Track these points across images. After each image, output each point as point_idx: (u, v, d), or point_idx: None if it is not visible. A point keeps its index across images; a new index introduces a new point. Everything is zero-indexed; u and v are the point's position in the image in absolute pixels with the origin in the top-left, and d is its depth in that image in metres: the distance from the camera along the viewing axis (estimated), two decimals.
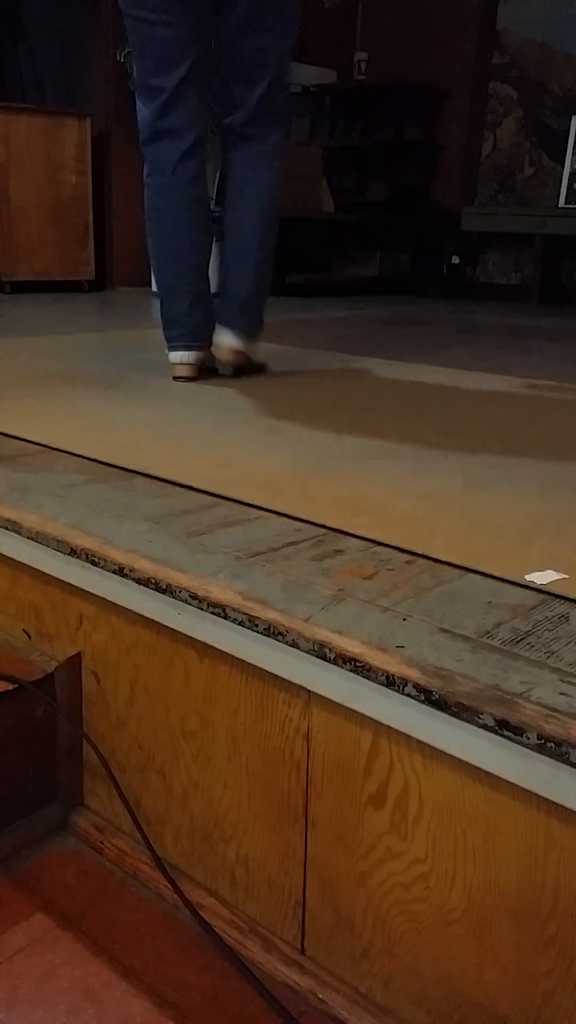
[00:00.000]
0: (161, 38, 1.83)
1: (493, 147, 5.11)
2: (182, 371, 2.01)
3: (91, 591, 0.98)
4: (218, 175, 3.33)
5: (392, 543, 0.99)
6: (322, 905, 0.84)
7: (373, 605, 0.82)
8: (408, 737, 0.73)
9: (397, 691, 0.70)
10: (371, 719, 0.75)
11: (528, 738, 0.63)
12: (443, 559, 0.94)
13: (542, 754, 0.63)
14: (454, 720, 0.67)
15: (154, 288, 4.59)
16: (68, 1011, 0.81)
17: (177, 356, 2.01)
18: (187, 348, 2.00)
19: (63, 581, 1.01)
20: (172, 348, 2.01)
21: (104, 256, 4.88)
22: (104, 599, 0.97)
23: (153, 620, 0.92)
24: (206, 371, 2.06)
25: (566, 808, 0.64)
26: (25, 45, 5.13)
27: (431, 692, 0.68)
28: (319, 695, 0.78)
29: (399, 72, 4.98)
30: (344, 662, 0.74)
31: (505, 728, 0.64)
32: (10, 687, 0.98)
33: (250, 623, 0.80)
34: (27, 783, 1.03)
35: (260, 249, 2.00)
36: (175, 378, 2.01)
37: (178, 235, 1.95)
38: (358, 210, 5.33)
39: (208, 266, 2.03)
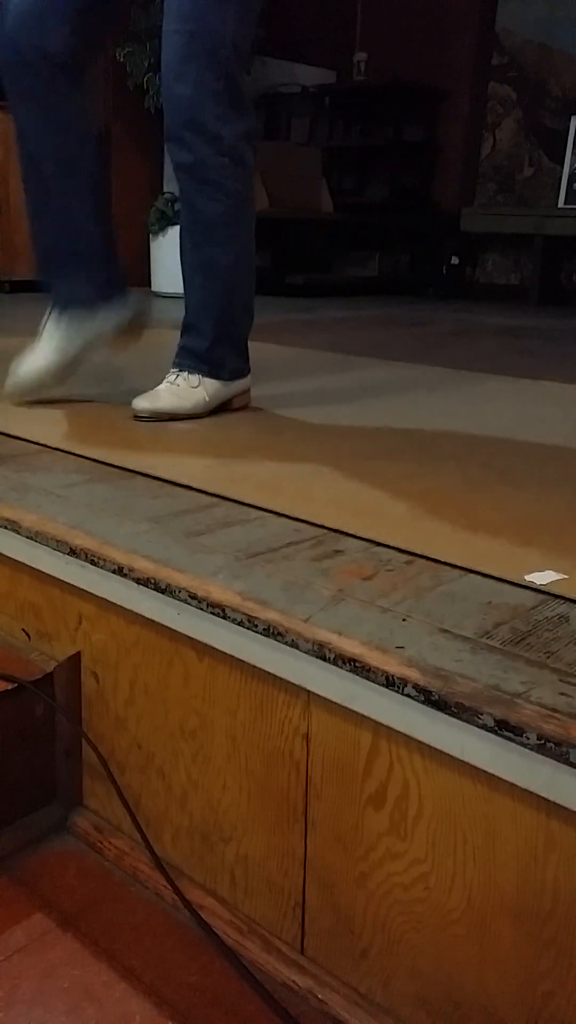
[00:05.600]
0: None
1: (492, 147, 5.11)
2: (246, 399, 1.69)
3: (90, 591, 0.98)
4: None
5: (392, 543, 0.99)
6: (322, 905, 0.84)
7: (373, 605, 0.82)
8: (408, 737, 0.73)
9: (397, 691, 0.70)
10: (371, 719, 0.75)
11: (528, 738, 0.63)
12: (443, 559, 0.94)
13: (542, 754, 0.63)
14: (454, 720, 0.67)
15: (152, 288, 4.62)
16: (68, 1011, 0.81)
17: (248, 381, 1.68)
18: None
19: (62, 581, 1.01)
20: (244, 375, 1.66)
21: None
22: (103, 599, 0.97)
23: (152, 620, 0.92)
24: None
25: (566, 808, 0.64)
26: None
27: (431, 692, 0.68)
28: (319, 695, 0.78)
29: (399, 72, 4.98)
30: (344, 662, 0.73)
31: (505, 728, 0.64)
32: (9, 687, 0.98)
33: (250, 623, 0.80)
34: (27, 783, 1.03)
35: None
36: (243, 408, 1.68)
37: None
38: (358, 210, 5.33)
39: None
